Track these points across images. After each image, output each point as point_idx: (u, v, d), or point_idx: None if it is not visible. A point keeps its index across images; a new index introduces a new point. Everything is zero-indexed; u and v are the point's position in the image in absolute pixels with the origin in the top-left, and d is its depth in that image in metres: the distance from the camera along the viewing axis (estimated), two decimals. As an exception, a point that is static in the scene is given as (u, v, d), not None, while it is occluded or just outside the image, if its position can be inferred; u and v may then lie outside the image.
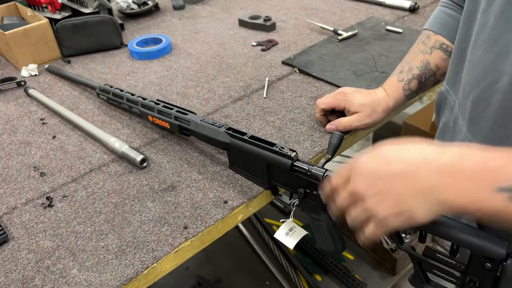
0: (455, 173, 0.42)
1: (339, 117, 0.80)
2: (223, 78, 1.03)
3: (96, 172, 0.77)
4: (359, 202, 0.48)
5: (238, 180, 0.72)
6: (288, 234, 0.72)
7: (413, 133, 1.90)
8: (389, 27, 1.16)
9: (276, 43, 1.17)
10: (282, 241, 0.71)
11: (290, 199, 0.69)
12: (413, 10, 1.27)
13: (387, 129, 1.97)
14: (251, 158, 0.68)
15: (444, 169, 0.43)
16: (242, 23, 1.30)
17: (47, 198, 0.71)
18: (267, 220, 1.87)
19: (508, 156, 0.41)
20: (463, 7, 0.77)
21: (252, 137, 0.68)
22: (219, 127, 0.72)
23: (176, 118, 0.78)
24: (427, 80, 0.78)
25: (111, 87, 0.93)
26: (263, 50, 1.15)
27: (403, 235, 1.65)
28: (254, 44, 1.18)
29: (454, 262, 0.52)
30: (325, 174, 0.60)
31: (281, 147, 0.64)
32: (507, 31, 0.50)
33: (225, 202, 0.68)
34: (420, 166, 0.44)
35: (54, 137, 0.87)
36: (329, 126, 0.79)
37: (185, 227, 0.64)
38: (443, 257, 0.53)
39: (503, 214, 0.40)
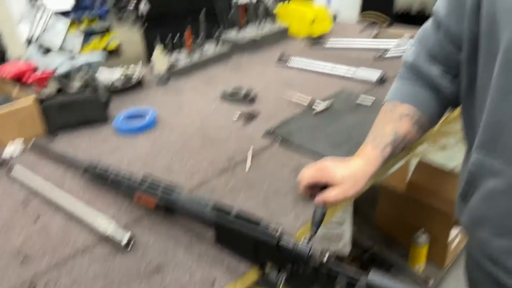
0: None
1: (321, 188, 0.82)
2: (207, 152, 1.07)
3: (81, 255, 0.76)
4: None
5: (225, 257, 0.73)
6: (276, 312, 0.72)
7: (389, 192, 1.96)
8: (359, 100, 1.25)
9: (257, 115, 1.23)
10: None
11: (278, 274, 0.70)
12: (381, 82, 1.37)
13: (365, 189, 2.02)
14: (237, 236, 0.70)
15: None
16: (225, 96, 1.36)
17: (30, 286, 0.70)
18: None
19: None
20: (422, 79, 0.84)
21: (237, 215, 0.70)
22: (205, 205, 0.74)
23: (161, 198, 0.80)
24: (398, 146, 0.84)
25: (96, 165, 0.94)
26: (245, 122, 1.20)
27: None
28: (236, 116, 1.23)
29: None
30: (310, 252, 0.62)
31: (266, 227, 0.66)
32: None
33: (213, 284, 0.68)
34: None
35: (37, 218, 0.86)
36: (318, 199, 0.81)
37: (173, 311, 0.63)
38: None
39: None
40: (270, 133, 1.11)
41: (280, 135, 1.09)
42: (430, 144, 3.04)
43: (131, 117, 1.25)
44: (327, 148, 1.02)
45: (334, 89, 1.35)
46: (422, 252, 1.76)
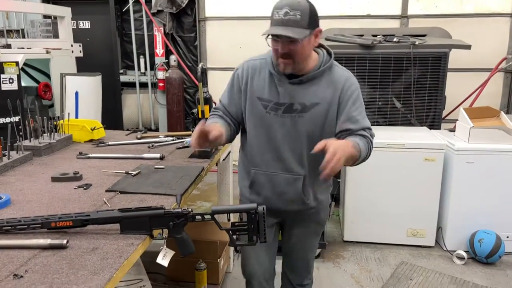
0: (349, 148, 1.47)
1: None
2: (73, 207, 1.53)
3: (38, 255, 1.14)
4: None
5: (130, 236, 1.29)
6: (163, 258, 1.33)
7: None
8: (156, 167, 1.99)
9: (92, 185, 1.77)
10: (160, 263, 1.31)
11: (162, 235, 1.32)
12: (162, 158, 2.16)
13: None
14: (137, 220, 1.29)
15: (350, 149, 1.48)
16: (55, 179, 1.81)
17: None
18: None
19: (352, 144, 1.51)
20: (230, 116, 1.73)
21: (136, 208, 1.31)
22: (112, 211, 1.30)
23: (77, 216, 1.28)
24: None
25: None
26: (85, 189, 1.72)
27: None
28: (76, 187, 1.73)
29: (242, 222, 1.32)
30: (182, 211, 1.30)
31: (154, 206, 1.30)
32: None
33: (132, 244, 1.24)
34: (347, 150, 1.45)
35: (-31, 258, 1.14)
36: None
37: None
38: (237, 223, 1.33)
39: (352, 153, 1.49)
40: (111, 190, 1.69)
41: (118, 190, 1.69)
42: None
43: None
44: (151, 189, 1.70)
45: (135, 165, 2.04)
46: (203, 276, 2.49)
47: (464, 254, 3.04)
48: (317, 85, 1.64)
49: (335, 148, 1.39)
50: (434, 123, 3.73)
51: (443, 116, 3.90)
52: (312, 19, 1.51)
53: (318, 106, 1.63)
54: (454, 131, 3.41)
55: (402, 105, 3.74)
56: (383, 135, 3.30)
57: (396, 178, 3.19)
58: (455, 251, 3.10)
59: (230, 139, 1.76)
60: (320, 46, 1.68)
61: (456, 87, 4.28)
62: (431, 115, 3.74)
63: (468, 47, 3.63)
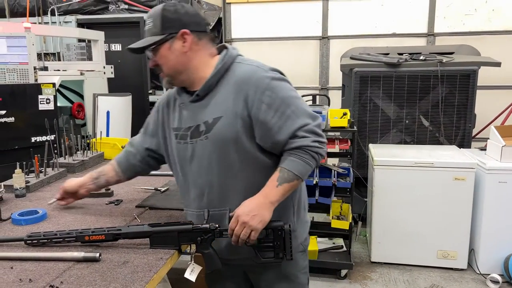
0: (267, 196, 1.29)
1: None
2: (104, 221, 1.59)
3: (73, 267, 1.19)
4: (245, 226, 1.27)
5: (159, 251, 1.32)
6: (191, 273, 1.35)
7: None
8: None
9: (122, 200, 1.82)
10: (188, 277, 1.33)
11: (190, 250, 1.35)
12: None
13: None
14: (166, 235, 1.32)
15: (264, 199, 1.29)
16: (88, 195, 1.87)
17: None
18: None
19: (270, 184, 1.31)
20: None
21: (165, 223, 1.34)
22: (142, 226, 1.34)
23: (109, 230, 1.33)
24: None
25: (34, 235, 1.35)
26: (116, 204, 1.77)
27: None
28: (107, 202, 1.79)
29: (268, 239, 1.33)
30: (210, 227, 1.33)
31: (183, 221, 1.33)
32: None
33: (161, 259, 1.27)
34: (258, 203, 1.29)
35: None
36: None
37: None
38: (263, 239, 1.34)
39: (281, 191, 1.29)
40: (140, 206, 1.74)
41: (147, 206, 1.74)
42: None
43: (22, 215, 1.61)
44: (179, 205, 1.73)
45: (164, 181, 2.09)
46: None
47: (499, 278, 2.91)
48: (216, 95, 1.36)
49: (237, 213, 1.29)
50: (463, 142, 3.65)
51: (473, 134, 3.81)
52: (166, 23, 1.32)
53: (222, 120, 1.33)
54: (485, 149, 3.32)
55: (430, 123, 3.69)
56: (410, 153, 3.25)
57: (425, 198, 3.12)
58: (489, 274, 2.98)
59: (129, 176, 1.68)
60: (223, 47, 1.42)
61: (486, 105, 4.19)
62: (461, 133, 3.67)
63: (498, 64, 3.57)
